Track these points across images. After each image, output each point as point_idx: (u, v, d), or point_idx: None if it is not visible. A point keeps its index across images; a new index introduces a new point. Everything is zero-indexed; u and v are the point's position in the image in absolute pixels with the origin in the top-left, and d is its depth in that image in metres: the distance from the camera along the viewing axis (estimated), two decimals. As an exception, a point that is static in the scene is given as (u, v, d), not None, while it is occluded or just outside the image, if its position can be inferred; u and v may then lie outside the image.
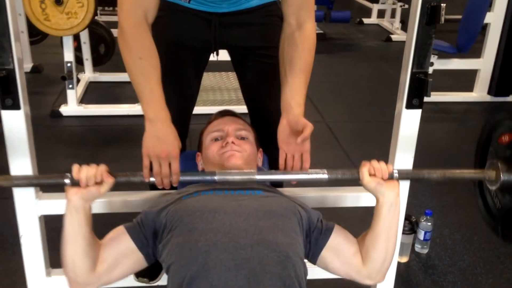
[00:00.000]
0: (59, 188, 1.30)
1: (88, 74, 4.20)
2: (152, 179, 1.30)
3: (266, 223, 1.17)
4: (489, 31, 3.95)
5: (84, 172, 1.20)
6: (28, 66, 4.33)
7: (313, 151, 3.06)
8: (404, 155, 1.51)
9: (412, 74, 1.42)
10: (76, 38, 3.77)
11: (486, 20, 3.84)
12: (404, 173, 1.38)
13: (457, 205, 2.66)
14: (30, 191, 1.42)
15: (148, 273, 1.59)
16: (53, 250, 1.55)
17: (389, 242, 1.28)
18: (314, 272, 1.68)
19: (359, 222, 2.29)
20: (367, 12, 7.19)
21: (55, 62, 4.21)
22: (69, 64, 3.43)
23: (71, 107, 3.55)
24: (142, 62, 1.31)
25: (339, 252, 1.29)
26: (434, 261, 2.23)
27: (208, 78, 4.14)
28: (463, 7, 4.01)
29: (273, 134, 1.38)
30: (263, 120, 1.65)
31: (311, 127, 1.31)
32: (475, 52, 4.06)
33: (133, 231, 1.25)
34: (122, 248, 1.24)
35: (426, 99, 3.89)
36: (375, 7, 6.92)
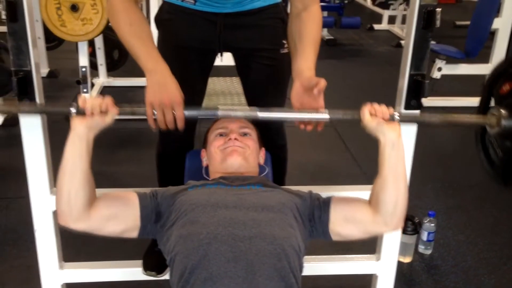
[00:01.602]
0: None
1: (102, 79, 4.29)
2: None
3: (264, 218, 1.23)
4: (497, 37, 3.97)
5: (90, 101, 1.22)
6: (44, 71, 4.44)
7: (320, 154, 3.14)
8: (405, 142, 1.54)
9: (410, 76, 1.47)
10: (91, 43, 3.87)
11: (494, 26, 3.86)
12: (405, 115, 1.39)
13: (462, 207, 2.70)
14: (45, 187, 1.49)
15: (156, 266, 1.64)
16: (65, 247, 1.63)
17: (398, 183, 1.27)
18: (317, 268, 1.75)
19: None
20: (378, 18, 7.23)
21: (70, 68, 4.32)
22: (83, 69, 3.52)
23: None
24: (134, 27, 1.37)
25: (346, 217, 1.31)
26: (437, 262, 2.26)
27: (213, 83, 4.22)
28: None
29: (274, 133, 1.43)
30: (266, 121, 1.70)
31: (325, 81, 1.33)
32: (483, 57, 4.08)
33: (144, 201, 1.30)
34: (127, 209, 1.28)
35: (434, 103, 3.98)
36: (386, 13, 6.96)
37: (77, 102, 1.23)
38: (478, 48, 3.86)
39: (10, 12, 1.30)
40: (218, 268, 1.12)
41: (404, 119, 1.34)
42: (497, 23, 3.89)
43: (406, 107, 1.49)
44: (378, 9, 7.52)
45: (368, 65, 5.38)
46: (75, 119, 1.22)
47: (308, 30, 1.45)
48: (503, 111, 1.30)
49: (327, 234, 1.32)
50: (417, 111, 1.48)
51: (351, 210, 1.32)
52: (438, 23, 1.39)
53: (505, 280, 2.15)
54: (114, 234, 1.30)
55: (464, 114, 1.37)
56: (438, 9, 1.39)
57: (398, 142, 1.27)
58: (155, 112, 1.31)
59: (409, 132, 1.52)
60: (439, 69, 3.95)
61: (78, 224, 1.24)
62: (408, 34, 1.45)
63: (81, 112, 1.22)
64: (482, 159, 1.44)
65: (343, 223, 1.32)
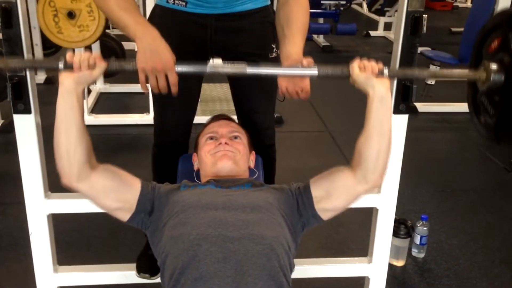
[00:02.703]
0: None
1: (99, 85, 4.32)
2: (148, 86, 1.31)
3: (253, 218, 1.25)
4: (491, 43, 4.01)
5: (77, 56, 1.22)
6: (41, 78, 4.47)
7: (315, 158, 3.15)
8: (392, 158, 1.57)
9: (399, 81, 1.49)
10: (88, 50, 3.91)
11: (487, 32, 3.90)
12: (394, 70, 1.40)
13: (455, 212, 2.72)
14: (40, 190, 1.52)
15: (150, 269, 1.66)
16: (60, 251, 1.64)
17: (382, 137, 1.29)
18: (310, 271, 1.77)
19: (359, 226, 2.37)
20: (374, 25, 7.28)
21: (67, 74, 4.35)
22: (80, 75, 3.55)
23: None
24: (119, 1, 1.36)
25: (328, 191, 1.33)
26: (430, 265, 2.28)
27: (210, 89, 4.25)
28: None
29: (262, 135, 1.44)
30: (252, 122, 1.72)
31: (312, 59, 1.36)
32: (478, 63, 4.12)
33: (145, 188, 1.33)
34: (128, 189, 1.31)
35: (428, 109, 4.01)
36: (382, 20, 7.00)
37: (65, 57, 1.23)
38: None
39: (4, 18, 1.32)
40: (207, 268, 1.14)
41: (393, 74, 1.34)
42: (490, 30, 3.93)
43: (395, 112, 1.52)
44: (374, 16, 7.57)
45: (364, 71, 5.41)
46: (63, 74, 1.23)
47: (296, 16, 1.47)
48: (493, 65, 1.30)
49: (317, 215, 1.34)
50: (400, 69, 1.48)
51: (329, 181, 1.34)
52: (424, 29, 1.41)
53: (497, 283, 2.17)
54: (108, 209, 1.33)
55: (453, 69, 1.40)
56: (425, 15, 1.42)
57: (386, 96, 1.28)
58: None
59: (400, 122, 1.53)
60: (434, 74, 3.98)
61: (81, 183, 1.27)
62: (396, 40, 1.49)
63: (68, 67, 1.23)
64: (475, 122, 1.44)
65: (326, 197, 1.33)
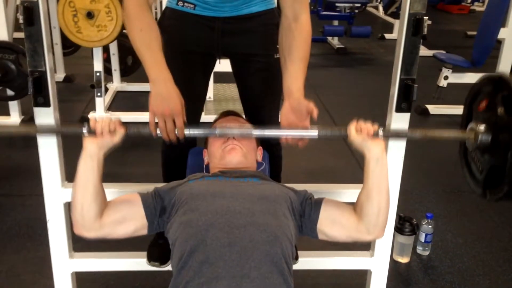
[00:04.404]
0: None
1: (116, 84, 4.44)
2: (159, 133, 1.41)
3: (259, 207, 1.32)
4: (503, 47, 4.02)
5: (99, 122, 1.33)
6: (61, 76, 4.60)
7: (326, 159, 3.22)
8: (395, 154, 1.62)
9: (401, 80, 1.55)
10: (106, 49, 4.01)
11: (500, 36, 3.92)
12: (389, 131, 1.47)
13: (461, 212, 2.75)
14: (57, 180, 1.60)
15: (160, 257, 1.73)
16: (76, 240, 1.72)
17: (381, 195, 1.35)
18: (313, 263, 1.83)
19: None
20: (390, 28, 7.31)
21: (85, 73, 4.47)
22: (98, 74, 3.65)
23: (99, 114, 3.78)
24: (143, 33, 1.47)
25: (334, 220, 1.39)
26: (434, 263, 2.32)
27: (223, 89, 4.35)
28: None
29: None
30: (260, 122, 1.77)
31: (313, 104, 1.45)
32: (490, 66, 4.13)
33: (146, 200, 1.39)
34: (132, 211, 1.38)
35: (440, 111, 4.05)
36: (397, 23, 7.02)
37: (88, 123, 1.34)
38: (484, 57, 3.91)
39: (27, 16, 1.41)
40: (214, 252, 1.21)
41: (388, 135, 1.43)
42: (503, 33, 3.95)
43: (397, 110, 1.57)
44: (389, 19, 7.60)
45: (377, 73, 5.44)
46: (87, 139, 1.34)
47: (297, 44, 1.54)
48: (480, 127, 1.37)
49: (315, 232, 1.41)
50: (406, 128, 1.58)
51: (339, 213, 1.40)
52: (425, 30, 1.47)
53: (500, 281, 2.21)
54: (126, 235, 1.41)
55: (443, 130, 1.47)
56: (426, 17, 1.47)
57: (382, 157, 1.36)
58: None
59: (402, 120, 1.59)
60: (446, 77, 4.01)
61: (91, 232, 1.35)
62: (398, 41, 1.54)
63: (92, 132, 1.34)
64: (465, 173, 1.51)
65: (330, 224, 1.40)
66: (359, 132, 1.36)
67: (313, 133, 1.43)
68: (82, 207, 1.32)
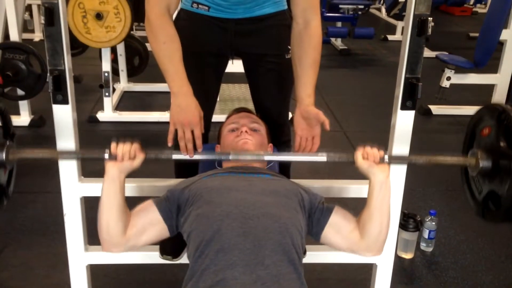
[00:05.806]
0: (98, 173, 1.51)
1: (123, 84, 4.49)
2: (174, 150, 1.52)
3: (271, 200, 1.38)
4: (505, 48, 4.07)
5: (120, 148, 1.41)
6: (68, 76, 4.65)
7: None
8: (399, 151, 1.67)
9: (406, 79, 1.60)
10: (113, 50, 4.07)
11: (502, 37, 3.96)
12: (393, 157, 1.56)
13: (464, 209, 2.78)
14: (74, 175, 1.65)
15: (172, 251, 1.77)
16: (91, 234, 1.77)
17: (382, 217, 1.43)
18: (319, 256, 1.87)
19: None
20: (393, 29, 7.35)
21: (93, 73, 4.53)
22: (106, 74, 3.72)
23: (107, 114, 3.85)
24: (166, 46, 1.54)
25: (339, 229, 1.46)
26: (437, 259, 2.37)
27: (229, 89, 4.41)
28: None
29: (278, 131, 1.57)
30: (270, 120, 1.84)
31: (322, 113, 1.57)
32: (492, 67, 4.18)
33: (160, 205, 1.45)
34: (150, 218, 1.44)
35: (443, 111, 4.12)
36: (400, 24, 7.07)
37: (109, 148, 1.42)
38: (486, 59, 3.96)
39: (47, 17, 1.46)
40: (229, 241, 1.27)
41: (392, 161, 1.51)
42: (505, 35, 3.99)
43: (402, 108, 1.63)
44: (392, 21, 7.65)
45: (380, 74, 5.49)
46: (108, 163, 1.41)
47: (307, 52, 1.63)
48: (481, 153, 1.42)
49: (319, 235, 1.47)
50: (400, 155, 1.64)
51: (345, 225, 1.46)
52: (429, 31, 1.53)
53: (502, 276, 2.26)
54: (152, 242, 1.48)
55: (446, 156, 1.55)
56: (430, 18, 1.52)
57: (386, 183, 1.43)
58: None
59: (407, 118, 1.65)
60: (448, 78, 4.06)
61: (120, 248, 1.43)
62: (404, 41, 1.59)
63: (113, 158, 1.41)
64: (466, 194, 1.57)
65: (335, 233, 1.46)
66: (365, 158, 1.43)
67: (322, 158, 1.51)
68: (108, 227, 1.40)
